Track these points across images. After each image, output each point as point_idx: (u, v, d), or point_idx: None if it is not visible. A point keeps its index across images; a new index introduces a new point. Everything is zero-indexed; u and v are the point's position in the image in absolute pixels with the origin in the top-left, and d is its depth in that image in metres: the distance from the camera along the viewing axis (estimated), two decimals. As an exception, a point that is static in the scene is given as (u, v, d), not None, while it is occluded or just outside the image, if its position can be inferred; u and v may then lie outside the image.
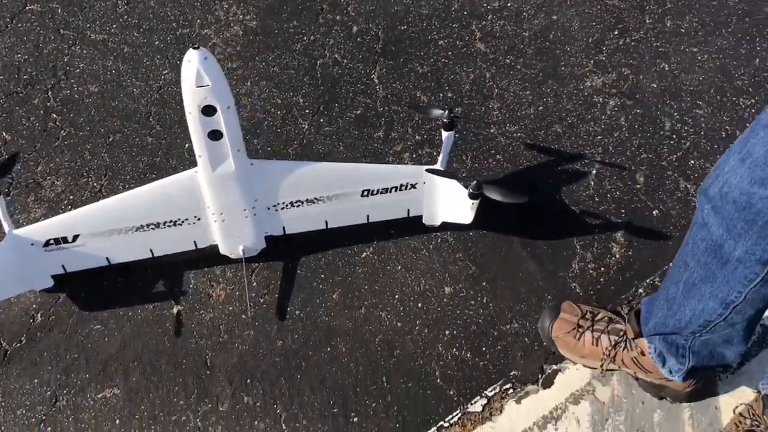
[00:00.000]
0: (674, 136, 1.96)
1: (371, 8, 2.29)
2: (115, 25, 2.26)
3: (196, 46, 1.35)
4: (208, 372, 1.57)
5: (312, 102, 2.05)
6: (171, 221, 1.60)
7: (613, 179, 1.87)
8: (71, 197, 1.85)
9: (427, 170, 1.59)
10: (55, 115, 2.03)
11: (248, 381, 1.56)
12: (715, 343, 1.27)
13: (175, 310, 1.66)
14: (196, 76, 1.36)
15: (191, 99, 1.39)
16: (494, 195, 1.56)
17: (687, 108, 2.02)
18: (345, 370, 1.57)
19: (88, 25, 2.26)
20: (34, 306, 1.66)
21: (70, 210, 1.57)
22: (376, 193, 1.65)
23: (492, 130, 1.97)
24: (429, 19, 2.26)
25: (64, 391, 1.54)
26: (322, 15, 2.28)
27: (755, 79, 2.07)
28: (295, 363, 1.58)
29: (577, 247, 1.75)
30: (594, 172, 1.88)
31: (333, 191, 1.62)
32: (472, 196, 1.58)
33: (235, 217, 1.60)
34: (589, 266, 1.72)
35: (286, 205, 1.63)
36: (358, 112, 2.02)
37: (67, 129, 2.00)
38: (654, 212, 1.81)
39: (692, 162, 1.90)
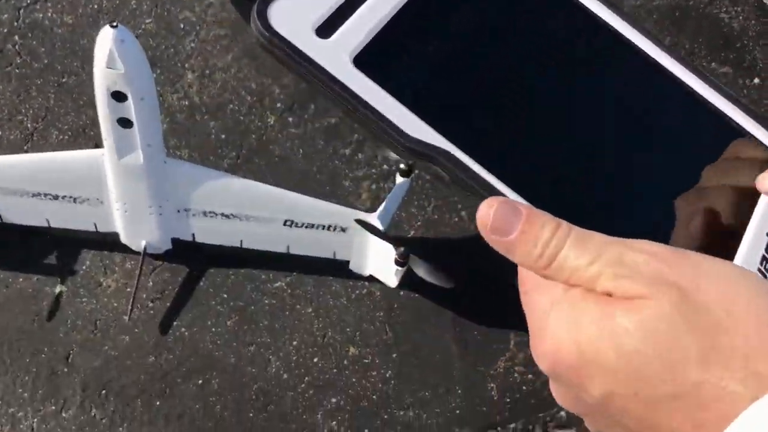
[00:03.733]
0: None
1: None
2: (116, -45, 2.08)
3: (114, 24, 1.16)
4: (65, 369, 1.42)
5: (288, 96, 1.85)
6: (70, 197, 1.44)
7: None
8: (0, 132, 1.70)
9: (357, 221, 1.40)
10: (17, 38, 1.87)
11: (103, 392, 1.41)
12: None
13: (57, 290, 1.51)
14: (108, 56, 1.18)
15: (99, 80, 1.21)
16: (419, 270, 1.37)
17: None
18: (209, 410, 1.41)
19: (88, -52, 2.08)
20: None
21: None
22: (301, 227, 1.46)
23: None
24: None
25: None
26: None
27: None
28: (159, 387, 1.43)
29: (512, 342, 1.54)
30: (561, 261, 1.66)
31: (252, 212, 1.44)
32: (397, 263, 1.38)
33: (138, 211, 1.44)
34: (516, 368, 1.51)
35: (198, 213, 1.46)
36: (333, 121, 1.82)
37: (24, 57, 1.84)
38: (611, 326, 1.58)
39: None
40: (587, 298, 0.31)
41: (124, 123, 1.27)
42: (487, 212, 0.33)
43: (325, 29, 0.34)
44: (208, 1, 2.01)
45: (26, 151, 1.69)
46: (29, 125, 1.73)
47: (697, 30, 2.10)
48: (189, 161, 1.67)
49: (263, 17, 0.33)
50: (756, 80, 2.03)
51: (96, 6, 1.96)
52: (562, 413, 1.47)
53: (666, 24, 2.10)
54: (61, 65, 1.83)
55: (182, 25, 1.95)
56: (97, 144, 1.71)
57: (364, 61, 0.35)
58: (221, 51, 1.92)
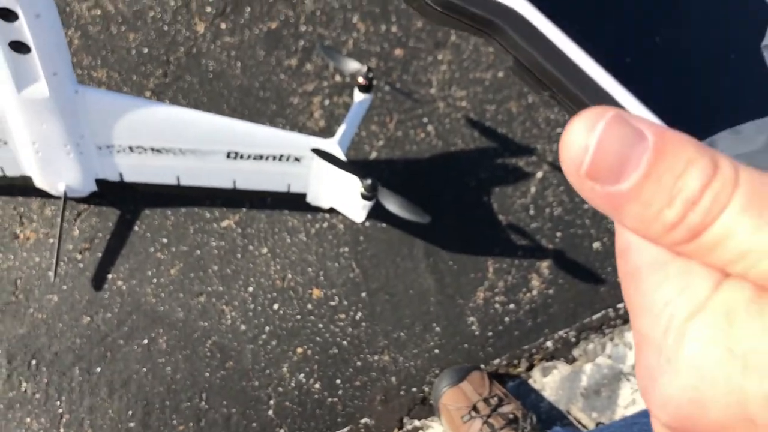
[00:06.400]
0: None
1: None
2: None
3: None
4: (-15, 339, 1.23)
5: (218, -1, 1.59)
6: (-34, 139, 1.20)
7: (558, 190, 1.50)
8: None
9: (314, 150, 1.20)
10: None
11: (33, 362, 1.23)
12: None
13: (-35, 246, 1.29)
14: (-17, -38, 0.92)
15: (-23, -7, 0.96)
16: (390, 205, 1.19)
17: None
18: (158, 373, 1.24)
19: None
20: None
21: None
22: (247, 158, 1.26)
23: (432, 91, 1.56)
24: None
25: None
26: None
27: None
28: (98, 351, 1.25)
29: (490, 269, 1.40)
30: (539, 175, 1.51)
31: (187, 145, 1.23)
32: (364, 197, 1.20)
33: (52, 150, 1.21)
34: (496, 298, 1.38)
35: (124, 149, 1.23)
36: (274, 25, 1.58)
37: None
38: (595, 245, 1.46)
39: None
40: (761, 307, 0.17)
41: (19, 47, 1.03)
42: (583, 139, 0.18)
43: None
44: None
45: None
46: None
47: None
48: (106, 89, 1.42)
49: None
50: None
51: None
52: (548, 344, 1.36)
53: None
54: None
55: None
56: (-6, 68, 1.44)
57: None
58: (134, -54, 1.62)
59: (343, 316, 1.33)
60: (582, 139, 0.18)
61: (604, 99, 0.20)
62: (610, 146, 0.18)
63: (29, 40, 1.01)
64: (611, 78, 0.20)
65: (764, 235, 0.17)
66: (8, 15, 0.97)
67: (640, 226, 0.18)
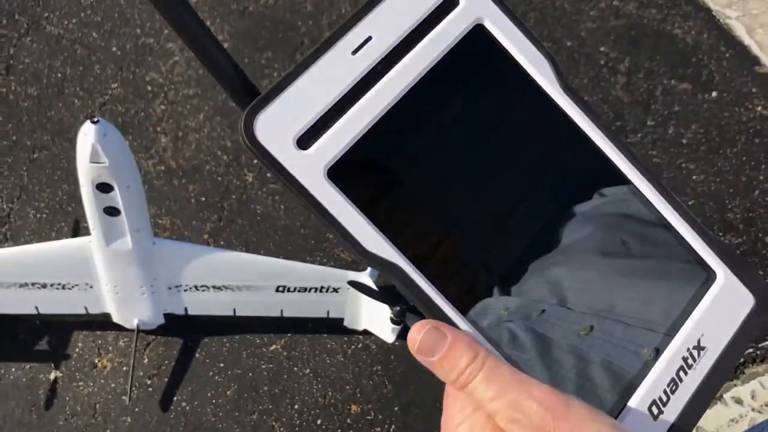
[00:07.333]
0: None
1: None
2: (74, 20, 2.06)
3: (96, 119, 1.16)
4: (69, 458, 1.42)
5: (263, 152, 1.86)
6: (59, 284, 1.43)
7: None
8: (-25, 217, 1.68)
9: (350, 282, 1.41)
10: (-18, 115, 1.85)
11: (110, 478, 1.40)
12: None
13: (52, 376, 1.50)
14: (91, 151, 1.18)
15: (84, 174, 1.21)
16: (416, 328, 1.38)
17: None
18: (218, 485, 1.41)
19: (45, 15, 2.06)
20: None
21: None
22: (293, 291, 1.47)
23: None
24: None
25: None
26: (300, 50, 2.07)
27: (749, 214, 1.87)
28: (166, 466, 1.42)
29: (509, 382, 1.57)
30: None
31: (244, 282, 1.45)
32: (393, 322, 1.40)
33: (130, 292, 1.43)
34: (516, 408, 1.54)
35: (190, 288, 1.46)
36: (311, 173, 1.83)
37: (-9, 135, 1.82)
38: (602, 356, 1.62)
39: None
40: (486, 428, 0.37)
41: (111, 211, 1.27)
42: (416, 336, 0.38)
43: (306, 140, 0.36)
44: (172, 59, 2.00)
45: (4, 234, 1.67)
46: (4, 206, 1.71)
47: (655, 48, 2.16)
48: (170, 235, 1.67)
49: (249, 127, 0.36)
50: (714, 94, 2.10)
51: (60, 75, 1.94)
52: (565, 449, 1.50)
53: (624, 44, 2.16)
54: (30, 140, 1.81)
55: (149, 87, 1.94)
56: (78, 220, 1.70)
57: (336, 174, 0.37)
58: (192, 111, 1.91)
59: (378, 429, 1.50)
60: (415, 336, 0.37)
61: (436, 312, 0.38)
62: (427, 341, 0.37)
63: (120, 206, 1.26)
64: (443, 300, 0.39)
65: (487, 395, 0.35)
66: (106, 188, 1.23)
67: (443, 378, 0.38)
